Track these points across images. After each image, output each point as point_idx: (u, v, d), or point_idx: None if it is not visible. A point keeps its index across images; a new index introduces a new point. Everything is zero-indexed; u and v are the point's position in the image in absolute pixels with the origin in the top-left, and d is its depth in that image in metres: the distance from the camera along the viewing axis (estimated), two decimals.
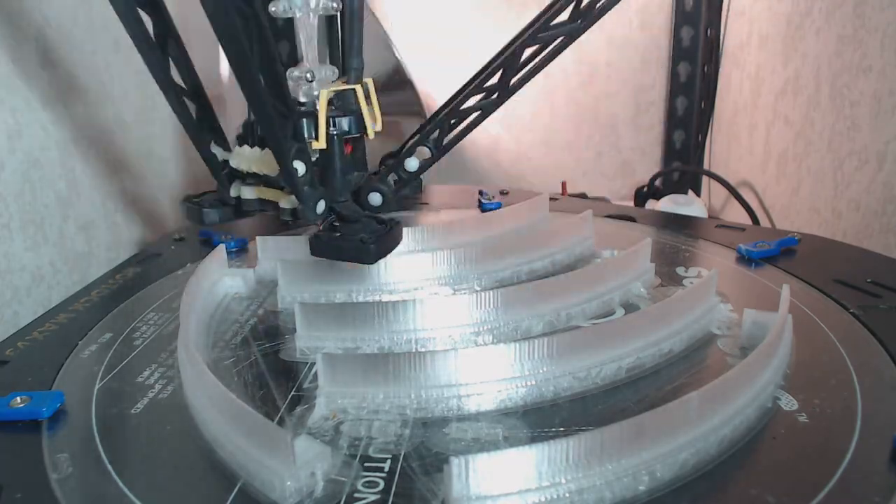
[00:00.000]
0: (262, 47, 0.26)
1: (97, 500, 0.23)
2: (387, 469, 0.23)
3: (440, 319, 0.32)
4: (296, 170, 0.31)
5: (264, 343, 0.33)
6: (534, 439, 0.25)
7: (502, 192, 0.59)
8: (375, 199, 0.37)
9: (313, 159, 0.33)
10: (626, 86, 0.84)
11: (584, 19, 0.38)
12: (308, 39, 0.33)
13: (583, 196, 0.77)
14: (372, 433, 0.25)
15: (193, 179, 0.68)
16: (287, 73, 0.33)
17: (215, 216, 0.37)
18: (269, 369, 0.30)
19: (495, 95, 0.40)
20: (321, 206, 0.33)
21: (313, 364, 0.30)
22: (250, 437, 0.24)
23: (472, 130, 0.41)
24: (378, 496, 0.22)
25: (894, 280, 0.37)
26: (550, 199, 0.50)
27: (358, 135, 0.35)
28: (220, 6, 0.23)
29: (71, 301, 0.39)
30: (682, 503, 0.22)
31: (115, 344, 0.34)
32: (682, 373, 0.29)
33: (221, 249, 0.40)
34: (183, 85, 0.36)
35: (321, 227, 0.32)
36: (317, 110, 0.32)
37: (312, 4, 0.33)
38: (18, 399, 0.28)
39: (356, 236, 0.31)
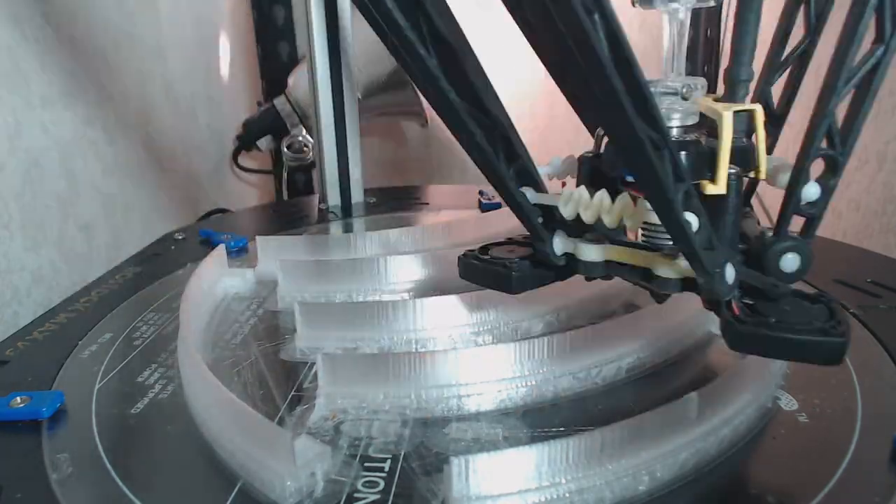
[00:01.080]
0: (619, 59, 0.19)
1: (97, 500, 0.23)
2: (387, 469, 0.23)
3: (440, 319, 0.32)
4: (688, 224, 0.21)
5: (264, 343, 0.33)
6: (534, 439, 0.25)
7: None
8: (791, 262, 0.23)
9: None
10: None
11: None
12: (679, 39, 0.24)
13: None
14: (372, 433, 0.25)
15: (194, 179, 0.68)
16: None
17: (529, 282, 0.26)
18: (269, 369, 0.30)
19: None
20: (730, 274, 0.22)
21: (313, 364, 0.30)
22: (250, 437, 0.24)
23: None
24: (378, 496, 0.22)
25: (894, 280, 0.37)
26: None
27: (753, 175, 0.24)
28: (571, 18, 0.17)
29: (71, 301, 0.39)
30: (682, 503, 0.22)
31: (115, 344, 0.34)
32: (682, 373, 0.29)
33: (221, 249, 0.40)
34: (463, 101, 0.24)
35: (735, 310, 0.22)
36: (694, 139, 0.23)
37: None
38: (18, 399, 0.28)
39: (809, 324, 0.21)
